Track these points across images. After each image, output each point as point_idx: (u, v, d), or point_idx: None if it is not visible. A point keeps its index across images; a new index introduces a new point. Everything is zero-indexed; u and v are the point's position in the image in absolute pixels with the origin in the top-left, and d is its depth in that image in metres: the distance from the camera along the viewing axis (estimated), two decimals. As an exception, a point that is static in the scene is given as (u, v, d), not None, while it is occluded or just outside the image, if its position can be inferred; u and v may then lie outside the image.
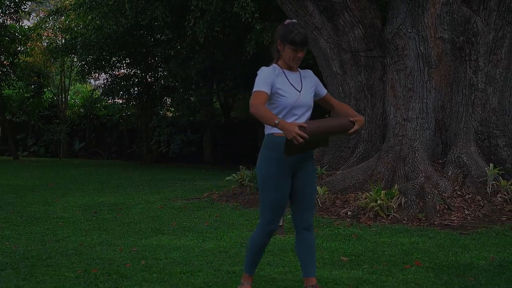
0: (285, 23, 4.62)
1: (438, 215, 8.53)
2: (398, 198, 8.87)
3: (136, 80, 23.21)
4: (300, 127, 4.24)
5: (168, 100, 24.45)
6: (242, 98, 24.67)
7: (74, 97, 30.52)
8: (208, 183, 13.95)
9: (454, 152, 9.79)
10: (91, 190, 12.95)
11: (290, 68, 4.64)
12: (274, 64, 4.64)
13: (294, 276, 5.60)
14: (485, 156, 9.87)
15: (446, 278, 5.57)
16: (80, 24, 22.76)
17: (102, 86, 24.51)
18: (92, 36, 19.14)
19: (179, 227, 8.14)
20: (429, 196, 8.79)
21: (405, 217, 8.52)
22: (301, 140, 4.19)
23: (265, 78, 4.51)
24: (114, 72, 23.41)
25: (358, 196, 9.38)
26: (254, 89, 4.51)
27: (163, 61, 21.46)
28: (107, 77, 23.44)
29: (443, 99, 10.24)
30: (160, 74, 23.13)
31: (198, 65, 17.88)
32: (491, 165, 9.23)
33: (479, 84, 10.02)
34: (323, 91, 4.87)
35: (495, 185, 9.10)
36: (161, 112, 24.22)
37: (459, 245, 6.94)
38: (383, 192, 8.83)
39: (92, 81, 29.00)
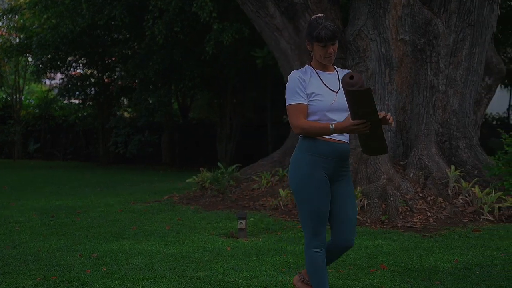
0: (310, 19, 4.23)
1: (401, 217, 8.53)
2: (361, 200, 8.85)
3: (93, 80, 22.90)
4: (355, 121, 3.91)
5: (126, 101, 24.19)
6: (200, 99, 24.55)
7: (28, 98, 29.99)
8: (168, 185, 13.79)
9: (416, 154, 9.82)
10: (47, 192, 12.68)
11: (325, 68, 4.27)
12: (306, 66, 4.29)
13: (260, 281, 5.52)
14: (446, 157, 9.92)
15: (412, 282, 5.55)
16: (36, 23, 22.33)
17: (58, 86, 24.11)
18: (47, 36, 18.76)
19: (140, 231, 7.99)
20: (391, 198, 8.79)
21: (368, 220, 8.51)
22: (367, 126, 3.87)
23: (295, 85, 4.18)
24: (70, 72, 23.05)
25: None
26: (288, 103, 4.20)
27: (120, 61, 21.19)
28: (63, 77, 23.08)
29: (404, 100, 10.26)
30: (118, 75, 22.87)
31: (156, 66, 17.69)
32: (452, 167, 9.28)
33: (440, 86, 10.06)
34: None
35: (456, 187, 9.14)
36: (119, 113, 23.94)
37: (423, 247, 6.94)
38: (345, 194, 8.78)
39: (47, 81, 28.48)
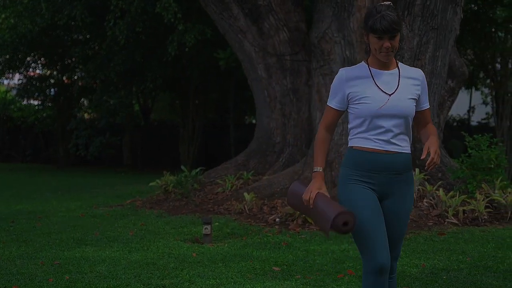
0: (370, 7, 3.83)
1: (366, 220, 8.51)
2: (326, 204, 8.80)
3: (53, 81, 22.59)
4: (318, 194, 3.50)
5: (86, 102, 23.89)
6: (162, 100, 24.37)
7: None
8: (130, 188, 13.61)
9: (380, 157, 9.81)
10: (6, 196, 12.41)
11: (384, 66, 3.63)
12: (362, 62, 3.71)
13: (227, 289, 5.44)
14: (410, 160, 9.94)
15: (380, 287, 5.51)
16: (-7, 23, 21.94)
17: (17, 87, 23.73)
18: (6, 36, 18.43)
19: (102, 237, 7.83)
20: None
21: (334, 223, 8.46)
22: (307, 204, 3.52)
23: (335, 85, 3.68)
24: (29, 73, 22.69)
25: (286, 202, 9.29)
26: (327, 102, 3.74)
27: (80, 61, 20.92)
28: (22, 77, 22.72)
29: (369, 103, 10.26)
30: (78, 75, 22.58)
31: (117, 67, 17.49)
32: (417, 169, 9.29)
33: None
34: (425, 104, 3.78)
35: (420, 190, 9.17)
36: (79, 114, 23.65)
37: (390, 252, 6.92)
38: (311, 198, 8.74)
39: (5, 81, 28.01)
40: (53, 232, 8.19)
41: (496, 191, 9.00)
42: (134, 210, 10.17)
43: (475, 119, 20.35)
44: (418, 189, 9.15)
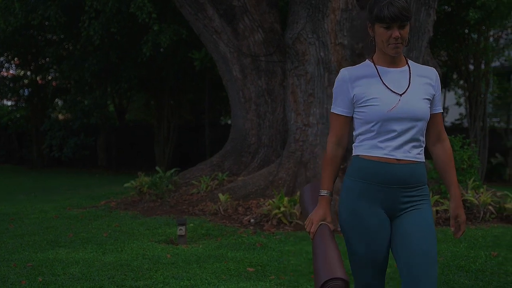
0: None
1: (341, 221, 8.54)
2: (301, 204, 8.83)
3: (26, 81, 22.40)
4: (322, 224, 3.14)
5: (60, 103, 23.71)
6: (137, 101, 24.25)
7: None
8: (105, 190, 13.53)
9: (354, 158, 9.86)
10: (-21, 198, 12.30)
11: (392, 62, 3.17)
12: (366, 60, 3.26)
13: (201, 290, 5.44)
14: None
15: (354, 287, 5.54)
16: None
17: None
18: (-22, 35, 18.26)
19: (76, 239, 7.79)
20: (332, 202, 8.79)
21: (308, 224, 8.49)
22: (309, 230, 3.18)
23: (338, 88, 3.24)
24: (2, 73, 22.48)
25: (261, 203, 9.30)
26: (331, 109, 3.30)
27: (55, 62, 20.77)
28: (-5, 78, 22.53)
29: (343, 104, 10.29)
30: (52, 76, 22.41)
31: (92, 67, 17.39)
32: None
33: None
34: (438, 107, 3.28)
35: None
36: (52, 115, 23.47)
37: (364, 252, 6.96)
38: (285, 199, 8.79)
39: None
40: (26, 234, 8.12)
41: (469, 191, 9.09)
42: (108, 211, 10.12)
43: (449, 120, 20.51)
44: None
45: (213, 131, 19.88)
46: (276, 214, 8.62)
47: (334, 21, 10.18)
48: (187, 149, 20.99)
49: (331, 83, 10.22)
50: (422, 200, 3.16)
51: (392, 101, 3.10)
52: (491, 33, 16.15)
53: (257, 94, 11.06)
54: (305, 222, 3.21)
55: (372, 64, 3.20)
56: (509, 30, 16.28)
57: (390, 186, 3.11)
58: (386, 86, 3.13)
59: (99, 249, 7.15)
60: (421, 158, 3.18)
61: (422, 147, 3.21)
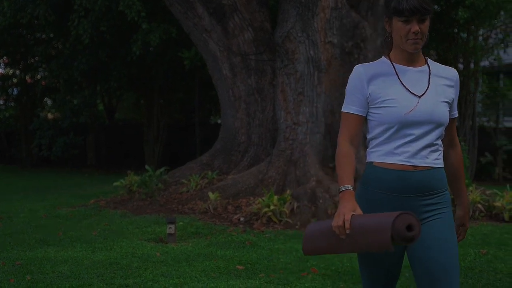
0: None
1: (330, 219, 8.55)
2: (291, 203, 8.85)
3: (15, 80, 22.33)
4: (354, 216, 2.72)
5: (49, 102, 23.65)
6: (126, 100, 24.20)
7: None
8: (94, 189, 13.49)
9: (344, 156, 9.86)
10: (-33, 197, 12.24)
11: (410, 60, 2.95)
12: (383, 57, 3.01)
13: (190, 288, 5.43)
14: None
15: (343, 285, 5.56)
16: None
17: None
18: (-34, 34, 18.20)
19: (65, 237, 7.76)
20: (321, 201, 8.82)
21: (298, 222, 8.51)
22: (340, 232, 2.71)
23: (351, 86, 2.99)
24: (-10, 72, 22.47)
25: (250, 202, 9.30)
26: (342, 108, 3.04)
27: (44, 61, 20.71)
28: (-17, 77, 22.46)
29: (333, 103, 10.31)
30: (41, 75, 22.35)
31: (81, 66, 17.35)
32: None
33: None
34: (455, 112, 3.08)
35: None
36: (42, 114, 23.39)
37: (353, 250, 6.96)
38: (275, 197, 8.79)
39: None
40: (14, 233, 8.10)
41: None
42: (97, 210, 10.08)
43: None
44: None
45: (203, 130, 19.85)
46: (266, 213, 8.62)
47: (324, 20, 10.19)
48: (177, 149, 20.95)
49: (321, 82, 10.23)
50: (442, 208, 2.93)
51: (410, 103, 2.88)
52: (480, 32, 16.20)
53: (247, 93, 11.05)
54: (333, 221, 2.73)
55: (389, 61, 2.97)
56: (498, 30, 16.33)
57: (407, 195, 2.88)
58: (404, 87, 2.91)
59: (88, 247, 7.14)
60: (440, 163, 2.96)
61: (441, 150, 2.98)
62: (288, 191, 9.17)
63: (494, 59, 16.10)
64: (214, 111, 23.17)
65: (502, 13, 15.55)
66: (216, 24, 10.97)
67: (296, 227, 8.39)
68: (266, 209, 8.62)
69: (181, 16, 11.21)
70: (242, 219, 8.79)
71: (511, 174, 15.96)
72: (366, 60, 10.14)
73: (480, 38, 16.30)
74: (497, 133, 16.81)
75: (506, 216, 8.91)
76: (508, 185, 10.01)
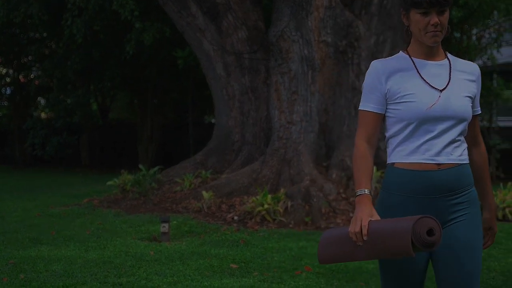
0: None
1: (324, 218, 8.57)
2: (285, 202, 8.84)
3: (8, 79, 22.29)
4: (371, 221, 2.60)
5: (43, 101, 23.62)
6: (120, 99, 24.15)
7: None
8: (88, 188, 13.46)
9: (338, 155, 9.89)
10: (-40, 196, 12.19)
11: (430, 55, 2.81)
12: (400, 52, 2.88)
13: (184, 286, 5.44)
14: (367, 158, 10.02)
15: (337, 283, 5.56)
16: None
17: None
18: (-40, 34, 18.19)
19: (59, 236, 7.74)
20: (314, 200, 8.82)
21: (292, 221, 8.51)
22: (357, 239, 2.59)
23: (369, 83, 2.84)
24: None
25: (244, 200, 9.29)
26: (359, 106, 2.89)
27: (37, 60, 20.68)
28: (-24, 76, 22.41)
29: (327, 102, 10.32)
30: (34, 74, 22.30)
31: (75, 65, 17.32)
32: (374, 167, 9.36)
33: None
34: (477, 108, 2.96)
35: (378, 187, 9.23)
36: (35, 114, 23.35)
37: (347, 249, 6.96)
38: (269, 196, 8.79)
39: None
40: (8, 232, 8.07)
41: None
42: (91, 209, 10.06)
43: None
44: (376, 187, 9.22)
45: (197, 130, 19.85)
46: (259, 212, 8.61)
47: (318, 19, 10.19)
48: (171, 148, 20.94)
49: (314, 81, 10.23)
50: (468, 207, 2.78)
51: (431, 97, 2.73)
52: (474, 32, 16.24)
53: (240, 92, 11.05)
54: (350, 227, 2.62)
55: (407, 56, 2.82)
56: (491, 29, 16.37)
57: (432, 196, 2.73)
58: (424, 80, 2.76)
59: (81, 246, 7.12)
60: (465, 159, 2.81)
61: (465, 146, 2.83)
62: (282, 190, 9.16)
63: (488, 59, 16.14)
64: (208, 111, 23.16)
65: (495, 12, 15.59)
66: (209, 23, 10.96)
67: (290, 225, 8.39)
68: (260, 208, 8.61)
69: (174, 15, 11.20)
70: (236, 218, 8.78)
71: (505, 173, 15.99)
72: (360, 59, 10.15)
73: (474, 37, 16.34)
74: (490, 132, 16.85)
75: (499, 214, 8.93)
76: (501, 184, 10.04)
